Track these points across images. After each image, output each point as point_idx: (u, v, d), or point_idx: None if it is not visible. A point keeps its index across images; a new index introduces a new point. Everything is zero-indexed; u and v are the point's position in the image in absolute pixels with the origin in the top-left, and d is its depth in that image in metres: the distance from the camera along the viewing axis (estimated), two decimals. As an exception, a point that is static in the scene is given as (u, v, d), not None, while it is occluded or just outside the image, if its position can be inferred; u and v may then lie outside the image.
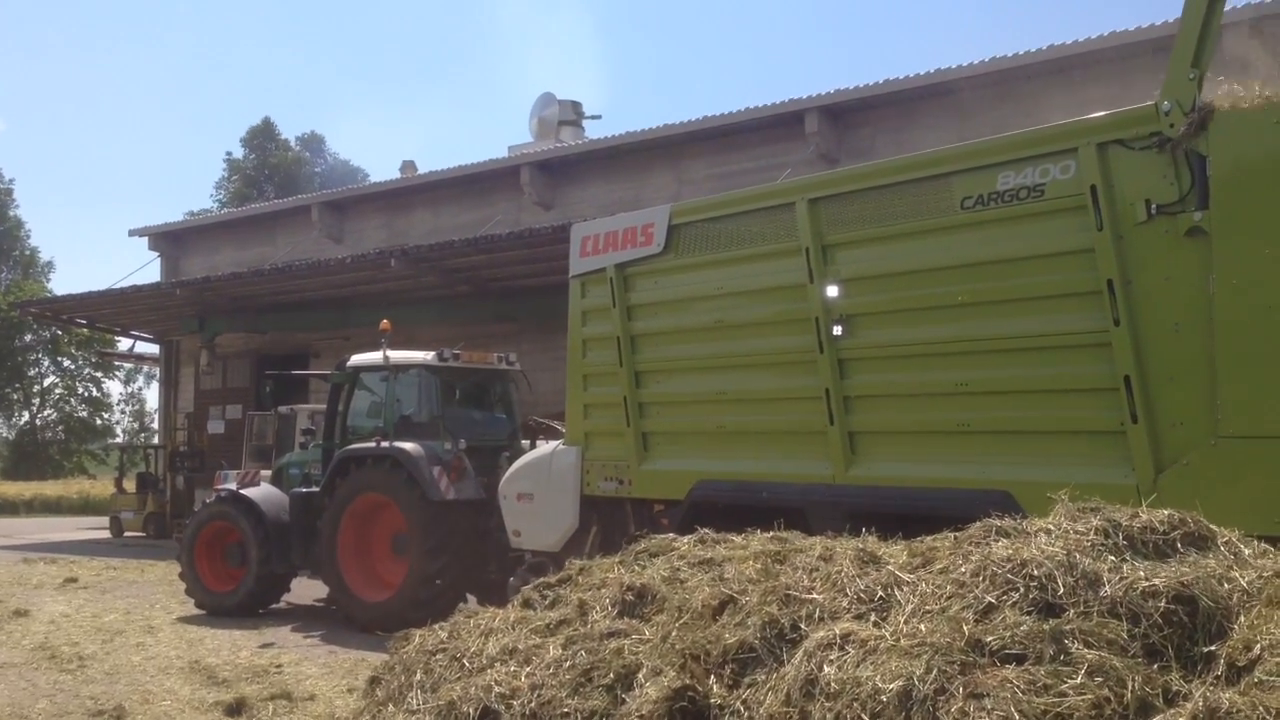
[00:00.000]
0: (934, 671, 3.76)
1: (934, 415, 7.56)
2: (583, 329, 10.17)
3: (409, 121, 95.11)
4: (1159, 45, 15.26)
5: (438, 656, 6.02)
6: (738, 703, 4.44)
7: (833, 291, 8.13)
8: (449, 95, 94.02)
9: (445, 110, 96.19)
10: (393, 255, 20.28)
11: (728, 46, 70.06)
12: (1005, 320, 7.21)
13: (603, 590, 6.05)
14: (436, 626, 6.48)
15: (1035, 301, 7.07)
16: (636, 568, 6.23)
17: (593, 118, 28.86)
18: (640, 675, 4.90)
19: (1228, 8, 8.02)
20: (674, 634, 5.10)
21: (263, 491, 14.07)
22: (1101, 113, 6.97)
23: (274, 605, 14.08)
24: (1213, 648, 3.60)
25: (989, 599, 4.04)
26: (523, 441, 13.09)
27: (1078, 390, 6.85)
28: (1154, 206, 6.50)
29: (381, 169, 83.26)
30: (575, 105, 28.48)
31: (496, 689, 5.22)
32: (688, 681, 4.65)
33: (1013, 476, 6.96)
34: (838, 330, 8.06)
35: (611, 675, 5.00)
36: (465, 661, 5.77)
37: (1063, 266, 6.95)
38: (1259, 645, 3.43)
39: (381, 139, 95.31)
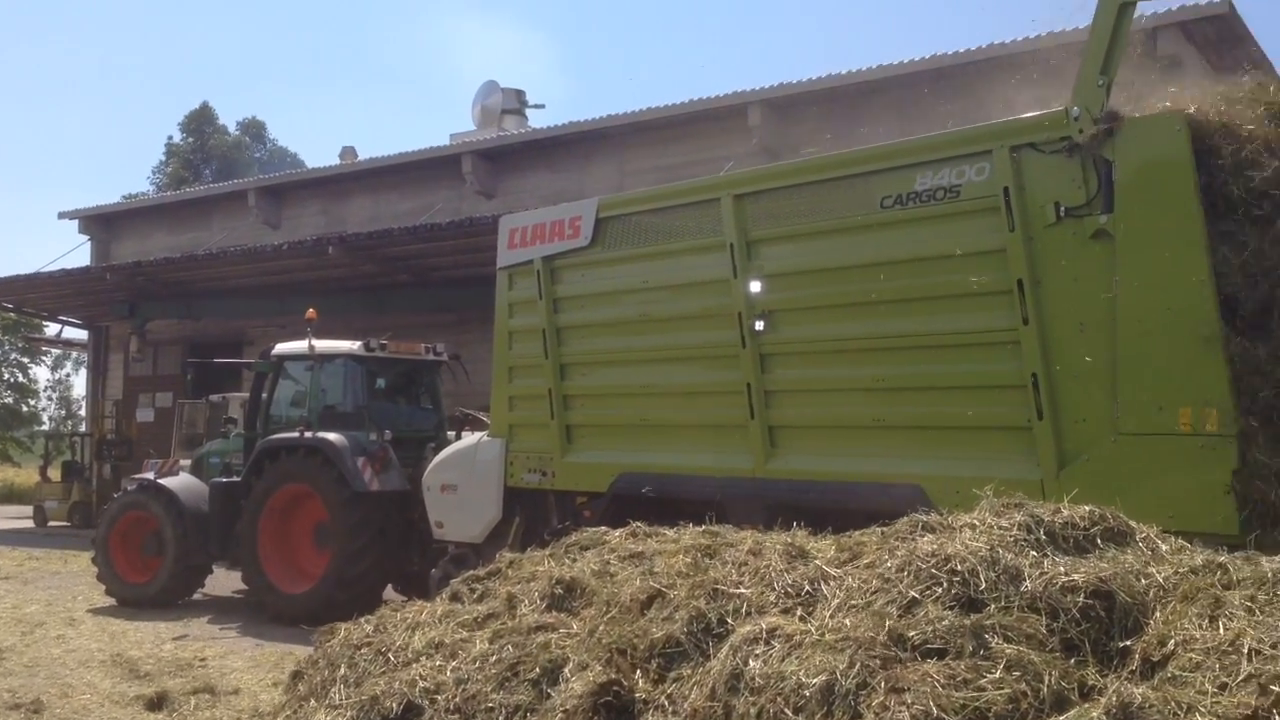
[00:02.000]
0: (857, 666, 3.78)
1: (851, 410, 7.65)
2: (509, 321, 10.15)
3: (350, 108, 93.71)
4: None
5: (363, 651, 5.93)
6: (663, 697, 4.44)
7: (756, 287, 8.18)
8: (391, 82, 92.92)
9: (386, 97, 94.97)
10: (330, 243, 19.91)
11: (673, 38, 70.21)
12: (920, 318, 7.30)
13: (532, 584, 6.02)
14: (362, 620, 6.39)
15: (949, 300, 7.17)
16: (567, 561, 6.21)
17: (536, 107, 28.54)
18: (567, 670, 4.88)
19: (1155, 11, 8.19)
20: (601, 628, 5.09)
21: (181, 481, 13.76)
22: (1029, 114, 7.05)
23: (191, 597, 13.77)
24: (1128, 643, 3.65)
25: (913, 594, 4.07)
26: (449, 433, 12.94)
27: (988, 387, 6.95)
28: (1063, 209, 6.62)
29: (321, 155, 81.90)
30: (519, 94, 28.11)
31: (421, 684, 5.17)
32: (613, 676, 4.63)
33: (924, 471, 7.06)
34: (760, 325, 8.11)
35: (538, 669, 4.98)
36: (390, 656, 5.70)
37: (976, 266, 7.04)
38: (1173, 641, 3.48)
39: (322, 125, 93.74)
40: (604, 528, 6.59)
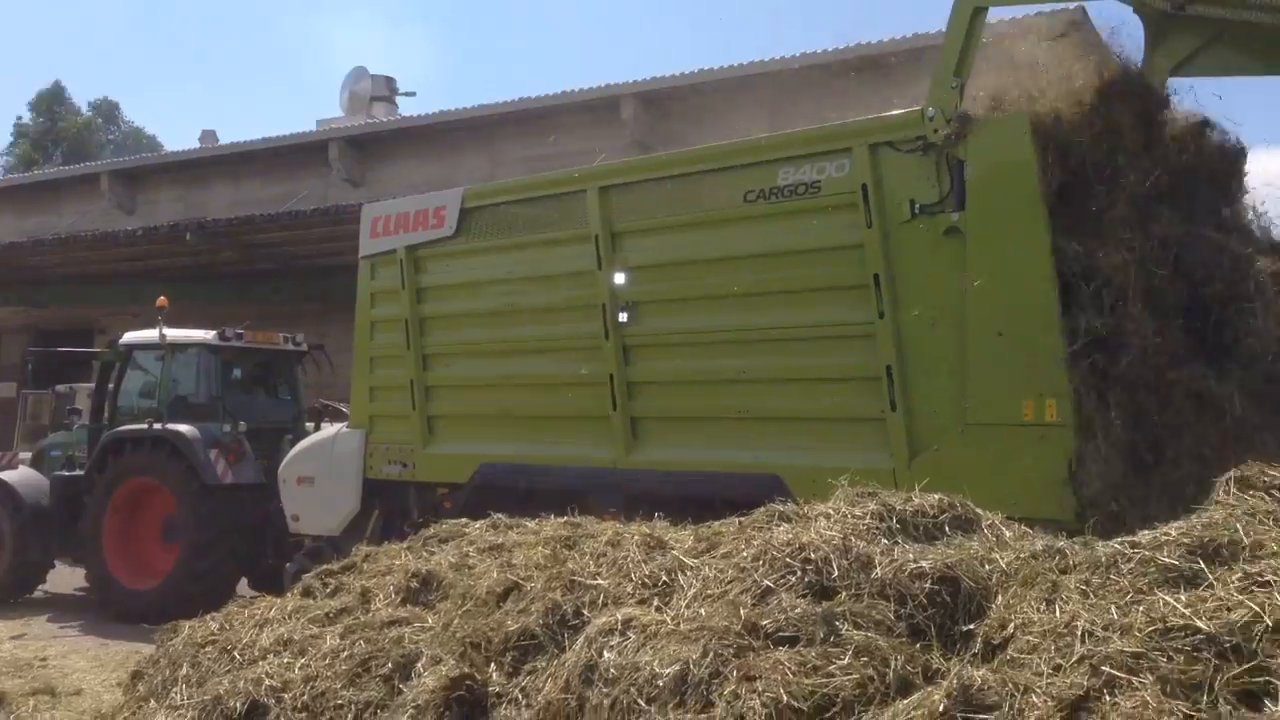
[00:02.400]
0: (710, 655, 3.78)
1: (712, 401, 7.70)
2: (371, 311, 9.98)
3: (211, 90, 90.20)
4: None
5: (207, 649, 5.76)
6: (516, 690, 4.40)
7: (620, 279, 8.17)
8: (255, 64, 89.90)
9: (250, 79, 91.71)
10: (189, 229, 19.24)
11: (548, 29, 69.59)
12: (781, 311, 7.38)
13: (388, 577, 5.93)
14: (208, 617, 6.20)
15: (809, 293, 7.27)
16: (425, 554, 6.13)
17: (407, 94, 28.18)
18: (420, 664, 4.82)
19: (1013, 16, 8.42)
20: (456, 622, 5.04)
21: (21, 475, 13.13)
22: (888, 113, 7.17)
23: (31, 595, 13.14)
24: (972, 626, 3.71)
25: (767, 583, 4.09)
26: (308, 424, 12.62)
27: (844, 379, 7.06)
28: (917, 206, 6.75)
29: (180, 139, 78.89)
30: (389, 81, 27.61)
31: (267, 682, 5.03)
32: (466, 670, 4.59)
33: (783, 461, 7.13)
34: (623, 317, 8.10)
35: (390, 665, 4.91)
36: (236, 654, 5.54)
37: (835, 261, 7.15)
38: (1012, 624, 3.54)
39: (180, 107, 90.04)
40: (464, 520, 6.52)
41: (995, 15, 6.97)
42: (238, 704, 4.92)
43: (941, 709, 3.25)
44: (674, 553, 4.82)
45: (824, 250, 7.19)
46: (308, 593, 6.27)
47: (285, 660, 5.20)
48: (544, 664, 4.44)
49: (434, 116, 22.28)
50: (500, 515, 6.32)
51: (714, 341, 7.71)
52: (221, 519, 11.53)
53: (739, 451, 7.42)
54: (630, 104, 19.72)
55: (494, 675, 4.53)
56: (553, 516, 6.01)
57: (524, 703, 4.30)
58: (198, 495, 11.55)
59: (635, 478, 7.86)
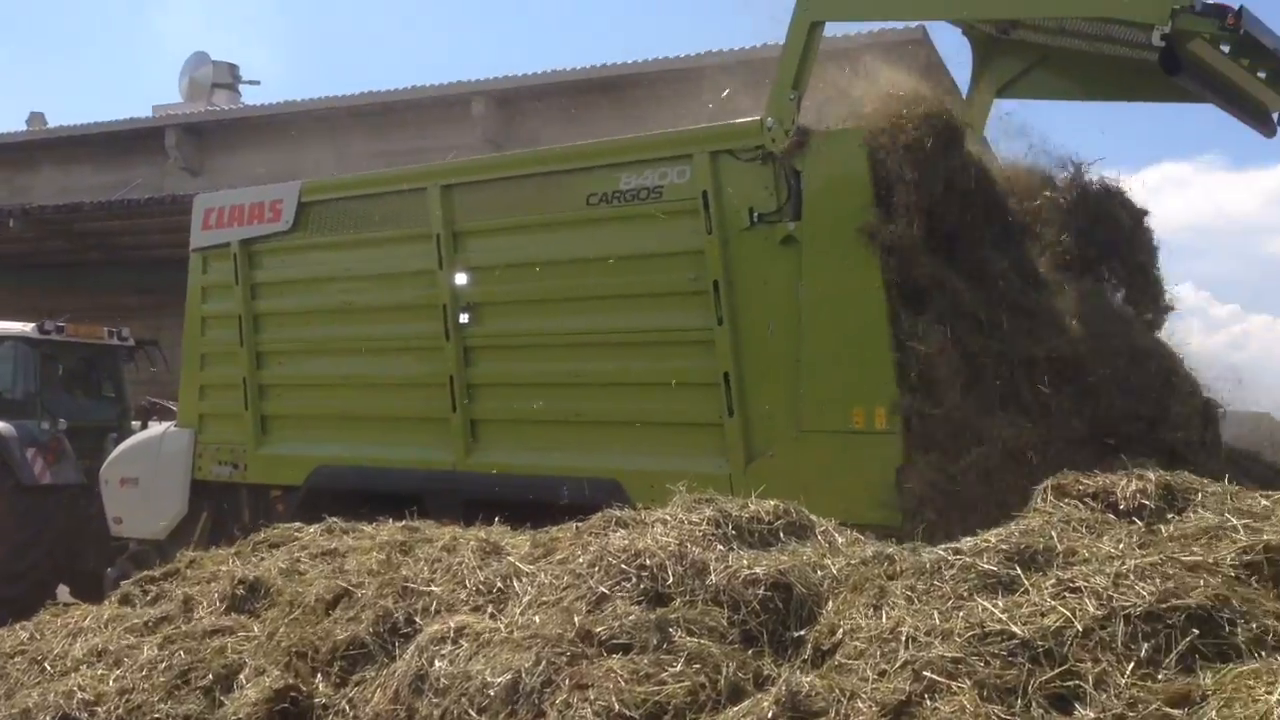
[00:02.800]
0: (543, 664, 3.72)
1: (553, 405, 7.60)
2: (202, 306, 9.59)
3: (38, 69, 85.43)
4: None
5: (16, 660, 5.46)
6: (343, 702, 4.28)
7: (461, 279, 8.02)
8: (88, 44, 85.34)
9: (83, 61, 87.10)
10: (12, 215, 18.18)
11: (401, 22, 67.82)
12: (622, 315, 7.34)
13: (212, 584, 5.69)
14: (17, 626, 5.86)
15: (650, 298, 7.24)
16: (253, 559, 5.89)
17: (251, 83, 27.01)
18: (243, 675, 4.64)
19: (857, 33, 8.61)
20: (282, 630, 4.86)
21: None
22: (737, 121, 7.17)
23: None
24: (803, 632, 3.73)
25: (602, 589, 4.04)
26: (134, 423, 12.05)
27: (683, 384, 7.06)
28: (756, 215, 6.77)
29: (3, 120, 74.21)
30: (232, 68, 26.55)
31: (79, 695, 4.79)
32: (291, 681, 4.42)
33: (622, 465, 7.08)
34: (464, 318, 7.97)
35: (211, 676, 4.72)
36: (47, 665, 5.27)
37: (675, 266, 7.14)
38: (841, 629, 3.56)
39: (4, 87, 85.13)
40: (298, 524, 6.29)
41: (837, 30, 7.10)
42: (47, 718, 4.67)
43: (770, 716, 3.27)
44: (510, 559, 4.74)
45: (665, 255, 7.18)
46: (126, 600, 5.97)
47: (99, 672, 4.96)
48: (373, 674, 4.32)
49: (279, 106, 21.61)
50: (336, 519, 6.12)
51: (555, 344, 7.64)
52: (39, 521, 10.94)
53: (579, 455, 7.34)
54: (482, 102, 19.48)
55: (320, 686, 4.38)
56: (390, 520, 5.85)
57: (351, 714, 4.18)
58: (13, 496, 10.93)
59: (475, 481, 7.70)
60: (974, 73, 7.95)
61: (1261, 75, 6.43)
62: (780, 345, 6.65)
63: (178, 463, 9.33)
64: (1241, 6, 5.54)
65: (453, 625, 4.20)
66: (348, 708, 4.20)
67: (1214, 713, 2.72)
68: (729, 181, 6.91)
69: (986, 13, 7.28)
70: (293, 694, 4.31)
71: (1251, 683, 2.73)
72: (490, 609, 4.36)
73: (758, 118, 6.81)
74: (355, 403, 8.62)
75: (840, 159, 6.56)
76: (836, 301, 6.46)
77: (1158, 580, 3.05)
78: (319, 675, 4.44)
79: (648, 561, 4.08)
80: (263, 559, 5.83)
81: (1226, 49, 5.99)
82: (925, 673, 3.17)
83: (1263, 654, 2.84)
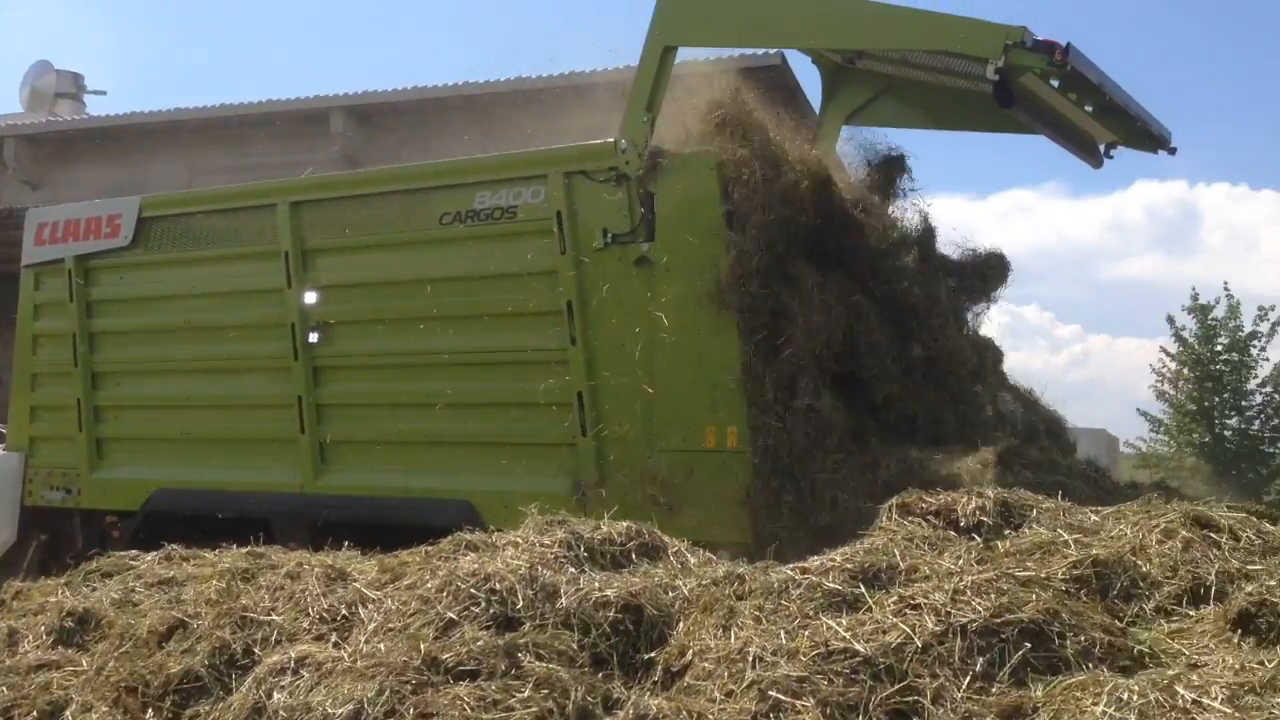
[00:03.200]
0: (386, 693, 3.54)
1: (404, 426, 7.43)
2: (34, 324, 9.06)
3: None
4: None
5: None
6: None
7: (311, 298, 7.78)
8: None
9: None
10: None
11: (255, 34, 65.60)
12: (475, 335, 7.21)
13: (39, 616, 5.29)
14: None
15: (503, 318, 7.13)
16: (84, 590, 5.52)
17: (97, 93, 25.74)
18: (69, 712, 4.32)
19: (715, 58, 8.67)
20: (111, 664, 4.54)
21: None
22: (592, 142, 7.11)
23: None
24: (653, 654, 3.67)
25: (451, 615, 3.89)
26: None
27: (537, 404, 6.97)
28: (610, 235, 6.74)
29: None
30: (76, 77, 25.27)
31: (-112, 738, 4.36)
32: (120, 718, 4.12)
33: (475, 486, 6.96)
34: (314, 338, 7.72)
35: (35, 714, 4.37)
36: None
37: (529, 286, 7.04)
38: (691, 650, 3.51)
39: None
40: (135, 551, 5.95)
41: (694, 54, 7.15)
42: None
43: (618, 740, 3.21)
44: (356, 585, 4.54)
45: (519, 276, 7.09)
46: (-55, 636, 5.54)
47: (-94, 714, 4.57)
48: (208, 708, 4.05)
49: (126, 118, 20.63)
50: (175, 546, 5.81)
51: (408, 365, 7.46)
52: None
53: (431, 476, 7.19)
54: (340, 117, 18.95)
55: None
56: (235, 546, 5.58)
57: None
58: None
59: (324, 504, 7.46)
60: (823, 99, 8.10)
61: (1089, 109, 6.71)
62: (634, 366, 6.62)
63: (6, 488, 8.77)
64: (1069, 43, 5.76)
65: (293, 655, 3.98)
66: (180, 745, 3.98)
67: (1043, 724, 2.76)
68: (583, 202, 6.86)
69: (830, 44, 7.44)
70: (121, 731, 4.06)
71: (1079, 694, 2.78)
72: (334, 637, 4.15)
73: (612, 139, 6.80)
74: (198, 424, 8.26)
75: (692, 181, 6.58)
76: (688, 322, 6.46)
77: (993, 596, 3.09)
78: (150, 711, 4.15)
79: (498, 585, 3.96)
80: (94, 589, 5.50)
81: (1056, 84, 6.23)
82: (771, 692, 3.13)
83: (1089, 666, 2.90)
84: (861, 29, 6.75)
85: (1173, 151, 7.40)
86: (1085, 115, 6.83)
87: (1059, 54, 5.73)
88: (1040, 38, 5.74)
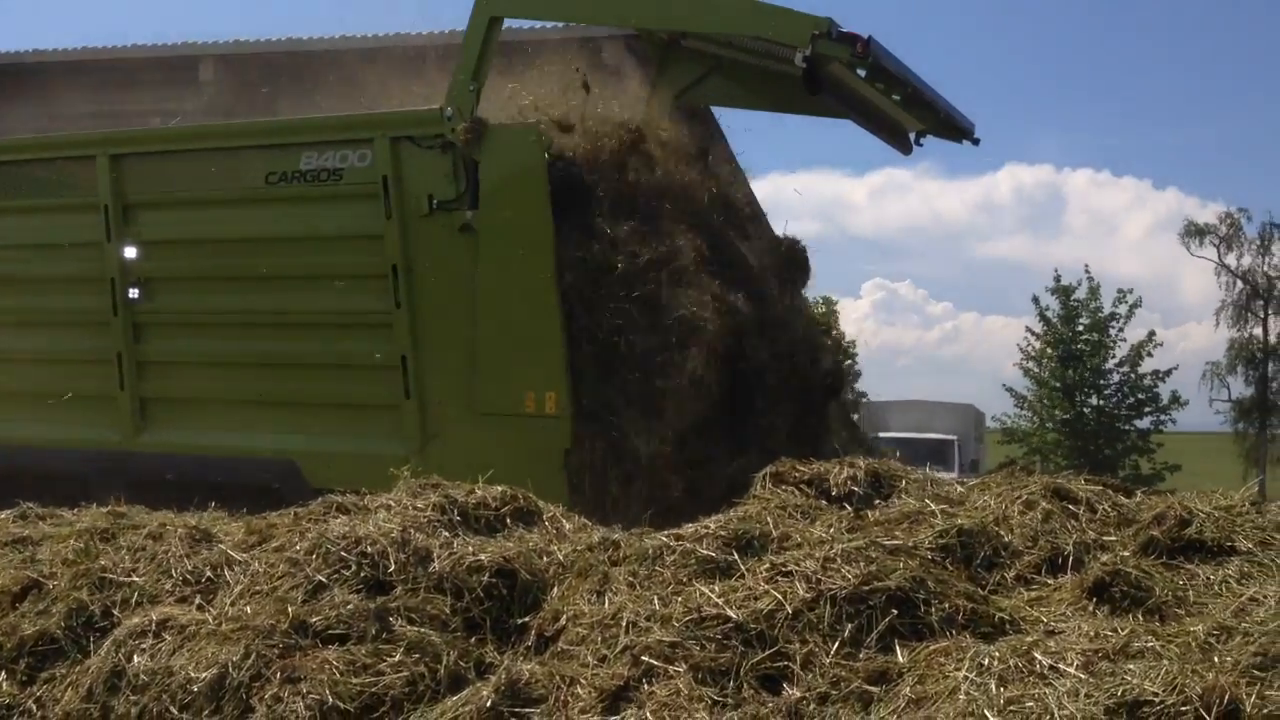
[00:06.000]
0: (252, 656, 3.18)
1: (227, 384, 6.83)
2: None
3: None
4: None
5: None
6: (30, 701, 3.57)
7: (132, 253, 6.96)
8: None
9: None
10: None
11: None
12: (302, 296, 6.65)
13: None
14: None
15: (330, 280, 6.58)
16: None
17: None
18: (-84, 677, 3.74)
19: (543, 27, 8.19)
20: (-39, 627, 3.91)
21: None
22: (419, 108, 6.60)
23: None
24: (527, 619, 3.37)
25: (320, 578, 3.48)
26: None
27: (362, 366, 6.48)
28: (435, 202, 6.27)
29: None
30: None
31: None
32: (-30, 682, 3.59)
33: (299, 446, 6.44)
34: (135, 293, 6.91)
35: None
36: None
37: (355, 249, 6.56)
38: (565, 616, 3.25)
39: None
40: None
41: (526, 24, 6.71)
42: None
43: (489, 704, 2.90)
44: (221, 546, 4.01)
45: (344, 238, 6.56)
46: None
47: None
48: (64, 671, 3.59)
49: (-22, 57, 17.99)
50: (31, 504, 5.05)
51: (232, 324, 6.80)
52: None
53: (255, 436, 6.58)
54: (210, 65, 16.98)
55: (4, 685, 3.63)
56: (95, 506, 4.87)
57: (39, 714, 3.50)
58: None
59: (144, 461, 6.72)
60: (654, 75, 7.74)
61: (896, 99, 6.62)
62: (457, 330, 6.20)
63: None
64: (870, 37, 5.61)
65: (154, 618, 3.53)
66: (35, 707, 3.52)
67: (908, 689, 2.59)
68: (409, 168, 6.35)
69: (647, 23, 7.12)
70: (-30, 693, 3.50)
71: (942, 659, 2.63)
72: (198, 600, 3.70)
73: (437, 106, 6.28)
74: (13, 378, 7.33)
75: (516, 152, 6.16)
76: (510, 289, 6.09)
77: (862, 564, 2.89)
78: (3, 673, 3.66)
79: (369, 549, 3.55)
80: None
81: (863, 74, 6.11)
82: (644, 657, 2.88)
83: (953, 632, 2.76)
84: (677, 10, 6.50)
85: (976, 142, 7.33)
86: (894, 105, 6.74)
87: (860, 46, 5.60)
88: (844, 30, 5.58)
